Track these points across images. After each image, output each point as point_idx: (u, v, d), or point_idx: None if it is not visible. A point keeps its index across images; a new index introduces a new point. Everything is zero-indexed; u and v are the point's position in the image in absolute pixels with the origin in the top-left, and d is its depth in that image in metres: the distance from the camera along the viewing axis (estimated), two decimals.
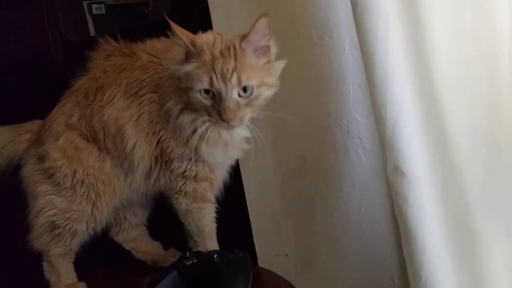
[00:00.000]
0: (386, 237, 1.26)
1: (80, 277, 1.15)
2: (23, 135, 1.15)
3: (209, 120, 0.96)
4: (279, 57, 0.98)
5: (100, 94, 1.05)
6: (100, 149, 1.07)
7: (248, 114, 0.95)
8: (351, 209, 1.30)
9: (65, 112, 1.09)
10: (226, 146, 1.03)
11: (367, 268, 1.30)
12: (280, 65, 0.98)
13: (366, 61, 0.92)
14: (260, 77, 0.93)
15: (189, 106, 0.98)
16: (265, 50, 0.94)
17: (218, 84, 0.90)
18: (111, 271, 1.25)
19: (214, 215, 1.12)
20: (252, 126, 0.98)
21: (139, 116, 1.03)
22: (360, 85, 1.20)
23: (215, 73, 0.90)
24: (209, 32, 0.98)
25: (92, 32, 1.89)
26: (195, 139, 0.98)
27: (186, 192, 1.07)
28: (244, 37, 0.91)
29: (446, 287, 0.94)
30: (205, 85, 0.91)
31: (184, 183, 1.06)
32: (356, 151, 1.26)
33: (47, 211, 1.09)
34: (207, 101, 0.93)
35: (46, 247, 1.11)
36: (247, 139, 1.04)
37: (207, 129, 0.97)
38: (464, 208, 0.94)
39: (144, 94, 1.03)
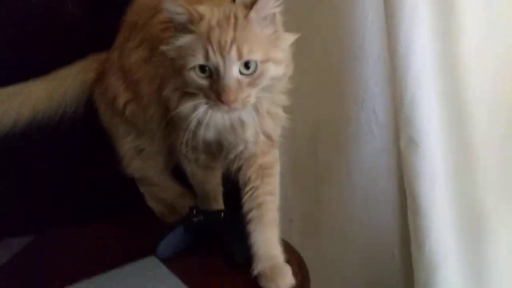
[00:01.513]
0: (390, 212, 1.27)
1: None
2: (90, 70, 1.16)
3: (207, 103, 0.83)
4: (295, 27, 0.89)
5: (134, 34, 1.02)
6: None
7: (252, 95, 0.82)
8: (358, 181, 1.30)
9: (115, 46, 1.09)
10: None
11: (370, 240, 1.31)
12: (289, 38, 0.86)
13: (390, 32, 0.90)
14: (265, 50, 0.80)
15: (187, 92, 0.86)
16: (272, 17, 0.82)
17: (215, 58, 0.78)
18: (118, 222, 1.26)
19: (219, 180, 1.10)
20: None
21: (152, 77, 0.99)
22: (379, 56, 1.18)
23: (212, 46, 0.78)
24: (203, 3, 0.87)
25: None
26: (193, 124, 0.87)
27: (189, 158, 1.04)
28: (252, 5, 0.79)
29: (449, 259, 0.94)
30: (200, 60, 0.79)
31: (187, 151, 1.02)
32: (369, 125, 1.25)
33: (126, 138, 1.12)
34: (203, 81, 0.81)
35: (142, 171, 1.15)
36: None
37: (206, 113, 0.84)
38: (476, 187, 0.94)
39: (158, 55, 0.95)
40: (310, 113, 1.31)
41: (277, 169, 0.99)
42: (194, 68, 0.80)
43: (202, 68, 0.80)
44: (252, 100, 0.82)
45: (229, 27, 0.79)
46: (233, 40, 0.78)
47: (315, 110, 1.30)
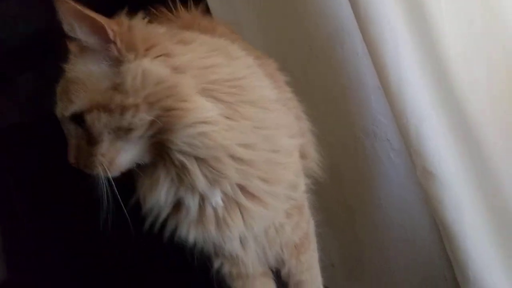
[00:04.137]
0: (431, 235, 1.24)
1: None
2: None
3: None
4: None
5: None
6: None
7: (110, 156, 0.62)
8: (392, 212, 1.28)
9: None
10: None
11: (417, 269, 1.28)
12: (150, 69, 0.61)
13: (379, 72, 0.91)
14: (90, 94, 0.59)
15: None
16: (101, 45, 0.60)
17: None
18: None
19: None
20: None
21: None
22: (379, 88, 1.18)
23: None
24: None
25: None
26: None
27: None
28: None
29: (496, 283, 0.91)
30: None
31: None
32: (387, 154, 1.25)
33: None
34: None
35: None
36: None
37: None
38: (504, 202, 0.91)
39: None
40: (325, 156, 1.31)
41: (311, 239, 0.93)
42: None
43: None
44: (117, 163, 0.63)
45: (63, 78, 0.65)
46: (59, 92, 0.64)
47: (329, 152, 1.31)
